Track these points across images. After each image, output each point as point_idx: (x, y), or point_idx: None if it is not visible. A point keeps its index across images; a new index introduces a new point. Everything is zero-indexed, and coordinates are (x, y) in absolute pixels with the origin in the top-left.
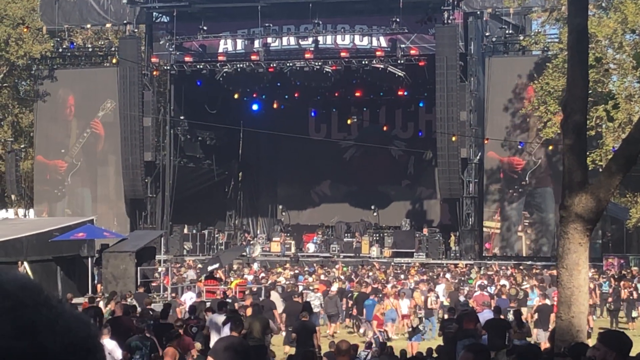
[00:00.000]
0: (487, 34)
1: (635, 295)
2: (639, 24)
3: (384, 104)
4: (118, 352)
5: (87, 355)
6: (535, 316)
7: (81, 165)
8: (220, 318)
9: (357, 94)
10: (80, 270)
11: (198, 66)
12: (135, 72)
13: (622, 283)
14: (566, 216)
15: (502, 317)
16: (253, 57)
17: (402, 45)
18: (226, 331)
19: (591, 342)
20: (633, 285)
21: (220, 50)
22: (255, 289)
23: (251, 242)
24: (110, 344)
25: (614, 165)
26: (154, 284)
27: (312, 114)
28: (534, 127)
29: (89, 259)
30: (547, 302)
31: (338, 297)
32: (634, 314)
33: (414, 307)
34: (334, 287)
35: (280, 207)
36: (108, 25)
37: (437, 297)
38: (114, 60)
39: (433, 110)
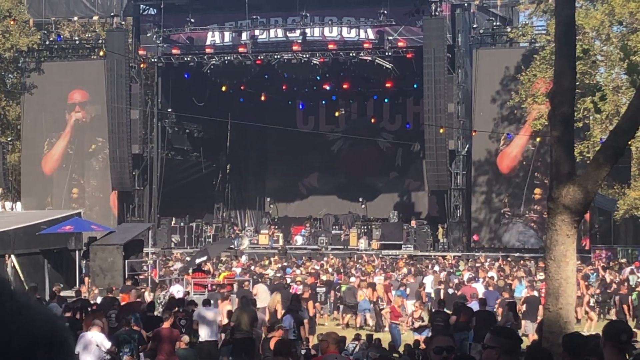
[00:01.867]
0: (474, 25)
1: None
2: (626, 16)
3: (372, 96)
4: (107, 344)
5: (51, 349)
6: (524, 307)
7: (69, 157)
8: (208, 312)
9: (345, 86)
10: (67, 263)
11: (185, 58)
12: (122, 65)
13: (609, 274)
14: (554, 208)
15: (488, 309)
16: (241, 50)
17: (390, 38)
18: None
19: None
20: (624, 276)
21: (208, 42)
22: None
23: (239, 235)
24: (99, 337)
25: (602, 156)
26: (141, 277)
27: (300, 106)
28: (522, 118)
29: (77, 252)
30: (535, 293)
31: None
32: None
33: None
34: (353, 279)
35: (268, 199)
36: (95, 17)
37: (424, 289)
38: (101, 53)
39: (421, 102)
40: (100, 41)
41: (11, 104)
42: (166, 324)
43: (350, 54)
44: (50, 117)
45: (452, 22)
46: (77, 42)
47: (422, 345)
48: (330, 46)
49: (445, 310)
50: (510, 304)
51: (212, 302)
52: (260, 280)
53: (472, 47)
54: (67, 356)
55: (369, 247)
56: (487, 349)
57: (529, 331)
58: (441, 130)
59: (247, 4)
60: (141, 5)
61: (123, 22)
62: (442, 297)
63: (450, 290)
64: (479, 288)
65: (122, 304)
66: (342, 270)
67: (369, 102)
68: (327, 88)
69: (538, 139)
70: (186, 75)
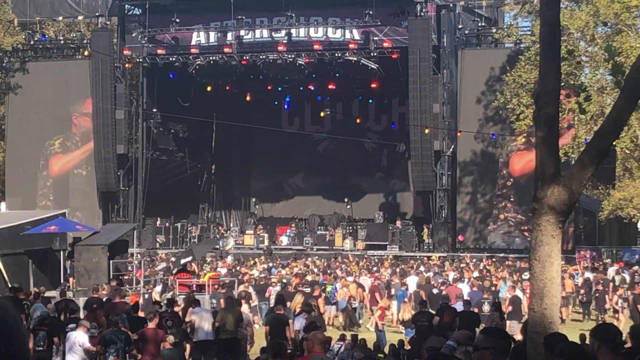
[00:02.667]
0: (459, 26)
1: (610, 286)
2: (610, 17)
3: (357, 96)
4: (88, 345)
5: None
6: (510, 308)
7: (53, 157)
8: (203, 311)
9: (330, 87)
10: (52, 263)
11: (171, 59)
12: (107, 65)
13: (594, 275)
14: (539, 208)
15: (472, 309)
16: (226, 50)
17: (375, 38)
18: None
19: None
20: (609, 277)
21: (193, 42)
22: (228, 282)
23: (224, 235)
24: (82, 337)
25: (586, 157)
26: (126, 277)
27: (286, 106)
28: (506, 119)
29: (61, 252)
30: (517, 292)
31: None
32: (606, 305)
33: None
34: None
35: (254, 199)
36: (80, 17)
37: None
38: (86, 53)
39: (406, 102)
40: (85, 41)
41: None
42: (151, 325)
43: (336, 55)
44: (35, 117)
45: (438, 22)
46: (62, 42)
47: (407, 346)
48: (316, 46)
49: (429, 310)
50: (495, 304)
51: (214, 301)
52: (245, 281)
53: (458, 48)
54: (15, 347)
55: (355, 248)
56: (480, 350)
57: (514, 331)
58: (426, 131)
59: (232, 4)
60: (126, 6)
61: (108, 22)
62: (423, 297)
63: (435, 291)
64: (464, 288)
65: (110, 303)
66: (327, 271)
67: (354, 103)
68: (313, 88)
69: (523, 140)
70: (171, 76)
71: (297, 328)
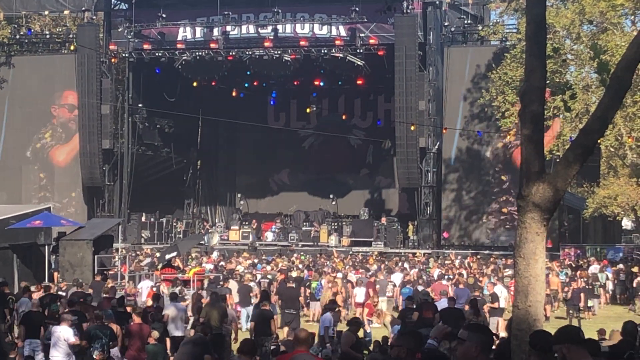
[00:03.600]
0: (446, 23)
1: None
2: (596, 15)
3: (343, 93)
4: (72, 339)
5: None
6: (495, 304)
7: (38, 151)
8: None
9: (316, 83)
10: (37, 258)
11: (157, 54)
12: (93, 60)
13: (578, 272)
14: (524, 205)
15: (456, 306)
16: (212, 45)
17: (362, 35)
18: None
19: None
20: (591, 274)
21: (179, 38)
22: (212, 277)
23: (209, 231)
24: (66, 332)
25: (571, 155)
26: (111, 272)
27: (271, 102)
28: (492, 117)
29: (46, 246)
30: (496, 289)
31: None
32: (590, 303)
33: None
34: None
35: (239, 195)
36: (66, 12)
37: (394, 285)
38: (72, 47)
39: (392, 99)
40: (71, 36)
41: None
42: (137, 320)
43: (322, 51)
44: (20, 111)
45: (424, 19)
46: (48, 36)
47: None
48: (302, 43)
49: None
50: (472, 302)
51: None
52: (230, 276)
53: (444, 45)
54: None
55: (340, 244)
56: (465, 344)
57: (492, 328)
58: (412, 128)
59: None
60: (112, 0)
61: (94, 17)
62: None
63: (421, 288)
64: (449, 285)
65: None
66: (312, 267)
67: (340, 99)
68: (299, 84)
69: (508, 137)
70: (157, 71)
71: (326, 325)
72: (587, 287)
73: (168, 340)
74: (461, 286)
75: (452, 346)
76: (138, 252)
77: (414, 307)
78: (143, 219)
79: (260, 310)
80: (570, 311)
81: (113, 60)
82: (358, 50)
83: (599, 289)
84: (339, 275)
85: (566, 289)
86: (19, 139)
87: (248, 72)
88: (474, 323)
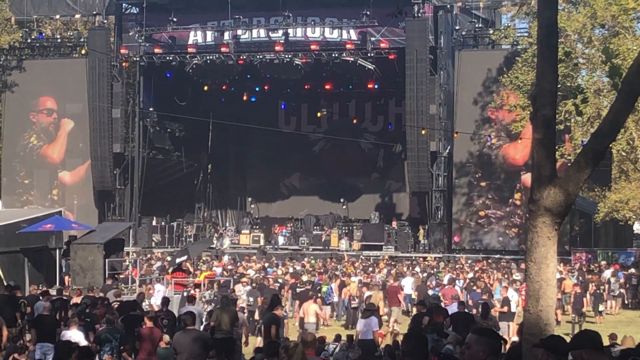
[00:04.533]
0: (457, 27)
1: (604, 288)
2: (607, 19)
3: (354, 97)
4: (83, 343)
5: None
6: (503, 309)
7: (50, 156)
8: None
9: (327, 87)
10: (48, 261)
11: (167, 58)
12: (104, 64)
13: (589, 277)
14: (535, 210)
15: (466, 310)
16: (223, 49)
17: (372, 39)
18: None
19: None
20: (604, 278)
21: (190, 42)
22: (223, 281)
23: (223, 235)
24: (77, 335)
25: (583, 159)
26: (122, 276)
27: (282, 106)
28: (503, 120)
29: (57, 250)
30: (509, 294)
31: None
32: (601, 307)
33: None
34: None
35: (250, 199)
36: (77, 16)
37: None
38: (83, 51)
39: (403, 103)
40: (82, 40)
41: None
42: (149, 324)
43: (333, 55)
44: (32, 115)
45: (435, 23)
46: (59, 40)
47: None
48: (313, 47)
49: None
50: (483, 306)
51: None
52: (240, 280)
53: (455, 49)
54: None
55: (350, 248)
56: (472, 348)
57: (503, 332)
58: (423, 132)
59: (229, 3)
60: (123, 4)
61: (105, 21)
62: (422, 298)
63: (431, 292)
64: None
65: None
66: (322, 271)
67: (351, 103)
68: (309, 88)
69: (519, 141)
70: (168, 75)
71: (375, 329)
72: (597, 291)
73: None
74: (477, 290)
75: (460, 350)
76: (149, 256)
77: (425, 311)
78: (154, 222)
79: (270, 315)
80: (573, 315)
81: (124, 64)
82: (369, 54)
83: (610, 294)
84: (353, 278)
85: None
86: (29, 144)
87: (259, 76)
88: (481, 327)
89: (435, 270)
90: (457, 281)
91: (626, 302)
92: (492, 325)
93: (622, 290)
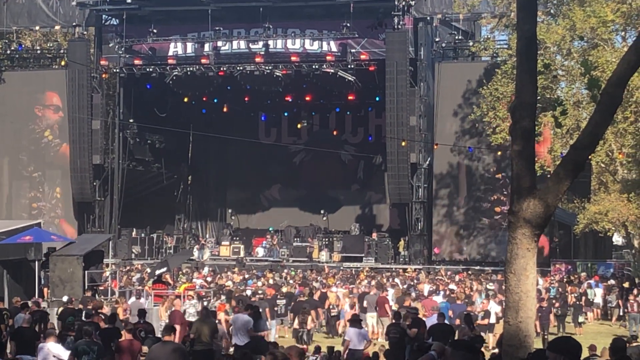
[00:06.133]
0: (437, 39)
1: (582, 300)
2: (586, 31)
3: (334, 108)
4: (64, 355)
5: None
6: (486, 321)
7: (28, 167)
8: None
9: (307, 99)
10: (27, 273)
11: (148, 69)
12: (84, 75)
13: (569, 288)
14: (514, 221)
15: (446, 322)
16: (203, 61)
17: (353, 50)
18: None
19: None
20: (582, 289)
21: (170, 53)
22: (203, 293)
23: (204, 246)
24: (56, 348)
25: (562, 171)
26: (101, 288)
27: (262, 118)
28: (483, 132)
29: (36, 262)
30: (489, 306)
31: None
32: (581, 319)
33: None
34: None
35: (230, 211)
36: (57, 27)
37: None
38: (63, 63)
39: (383, 115)
40: (62, 51)
41: None
42: (127, 336)
43: (313, 66)
44: (10, 126)
45: (415, 35)
46: (39, 51)
47: (382, 358)
48: (293, 58)
49: (401, 323)
50: (466, 317)
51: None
52: (220, 292)
53: (435, 61)
54: None
55: (330, 260)
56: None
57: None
58: (403, 143)
59: (209, 15)
60: (103, 16)
61: (85, 32)
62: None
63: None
64: (440, 301)
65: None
66: (302, 282)
67: (331, 115)
68: (290, 100)
69: (499, 153)
70: (148, 86)
71: (367, 339)
72: (577, 302)
73: None
74: (459, 302)
75: None
76: (129, 268)
77: (400, 323)
78: (134, 234)
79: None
80: (538, 330)
81: (104, 75)
82: (349, 66)
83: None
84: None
85: (557, 304)
86: (7, 155)
87: (239, 88)
88: (459, 340)
89: (415, 281)
90: (437, 292)
91: (606, 313)
92: (478, 336)
93: (601, 302)
